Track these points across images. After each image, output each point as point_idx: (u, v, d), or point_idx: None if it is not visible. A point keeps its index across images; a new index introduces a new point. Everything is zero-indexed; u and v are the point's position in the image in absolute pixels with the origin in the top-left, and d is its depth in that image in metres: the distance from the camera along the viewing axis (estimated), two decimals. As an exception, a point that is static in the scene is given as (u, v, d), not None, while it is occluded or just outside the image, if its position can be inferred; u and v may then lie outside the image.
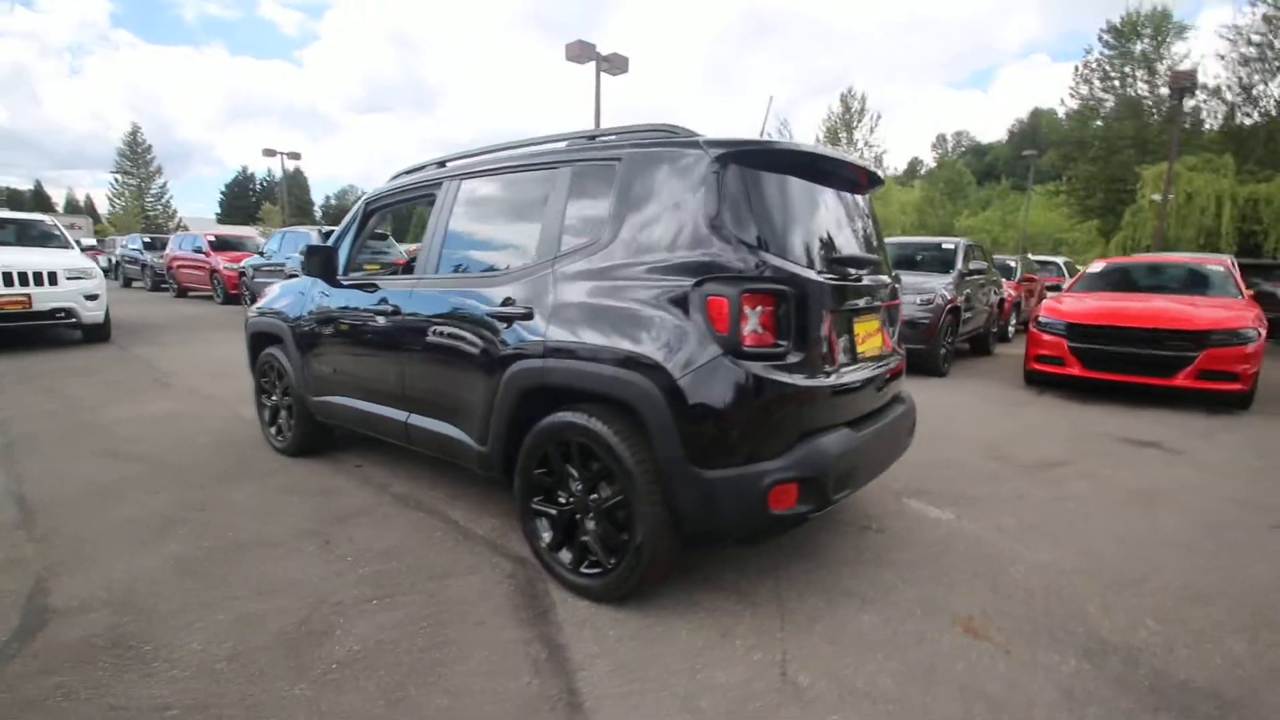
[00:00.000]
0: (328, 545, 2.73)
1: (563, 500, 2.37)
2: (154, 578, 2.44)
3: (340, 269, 3.41)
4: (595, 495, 2.26)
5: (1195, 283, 7.38)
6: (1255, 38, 34.95)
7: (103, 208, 61.44)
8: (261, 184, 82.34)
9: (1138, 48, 38.29)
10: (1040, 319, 6.79)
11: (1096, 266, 8.15)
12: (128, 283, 20.70)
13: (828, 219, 2.34)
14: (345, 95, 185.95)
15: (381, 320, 3.00)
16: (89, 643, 2.02)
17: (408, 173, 3.35)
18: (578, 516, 2.32)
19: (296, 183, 72.31)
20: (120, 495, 3.28)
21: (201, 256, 14.75)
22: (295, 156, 33.83)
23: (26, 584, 2.38)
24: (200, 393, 5.73)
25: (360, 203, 3.50)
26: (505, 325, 2.42)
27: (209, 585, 2.39)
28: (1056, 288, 9.00)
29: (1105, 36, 39.17)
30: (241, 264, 12.98)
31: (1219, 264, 7.62)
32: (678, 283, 2.03)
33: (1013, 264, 12.57)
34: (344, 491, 3.37)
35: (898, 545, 2.88)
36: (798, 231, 2.16)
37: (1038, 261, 16.13)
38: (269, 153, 31.08)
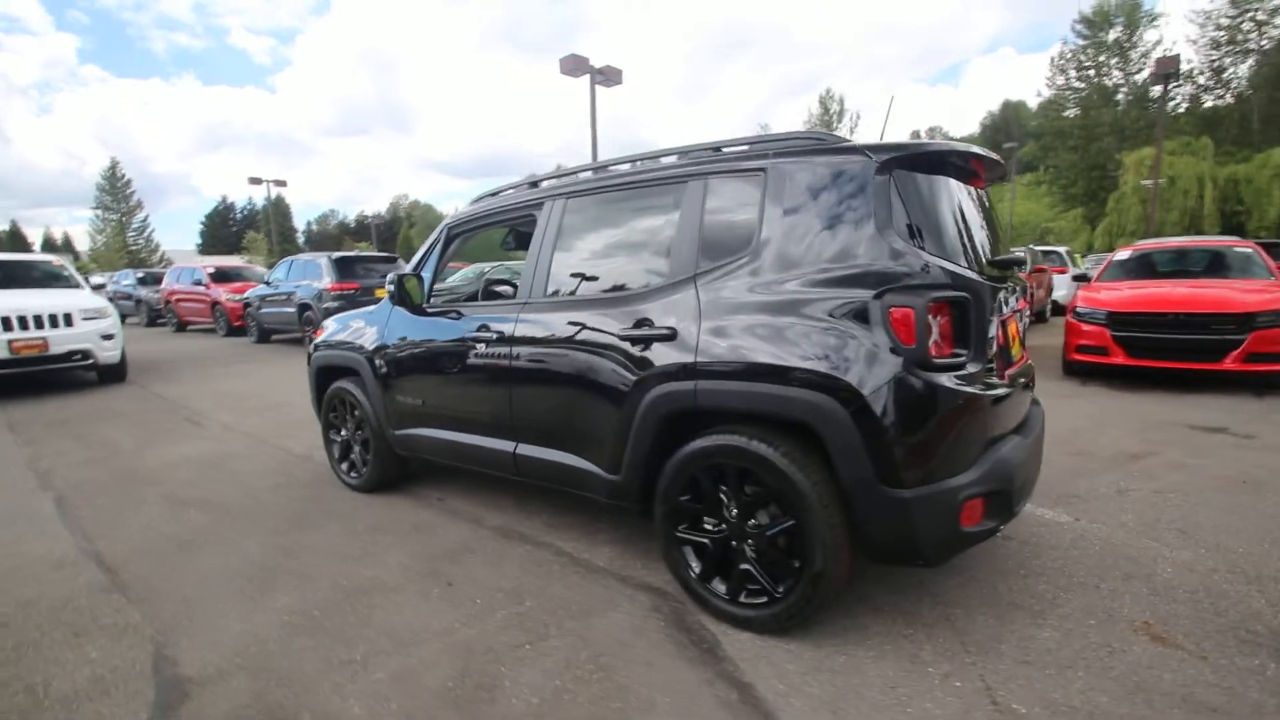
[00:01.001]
0: (451, 587, 2.59)
1: (713, 528, 2.25)
2: (277, 636, 2.28)
3: (428, 295, 3.28)
4: (754, 521, 2.14)
5: (1224, 265, 7.40)
6: (1224, 20, 35.82)
7: (82, 244, 60.49)
8: (242, 213, 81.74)
9: (1110, 36, 39.04)
10: (1079, 309, 6.77)
11: (1123, 254, 8.17)
12: (120, 319, 20.37)
13: (972, 219, 2.26)
14: (321, 120, 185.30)
15: (483, 347, 2.87)
16: (242, 716, 1.87)
17: (492, 195, 3.23)
18: (733, 544, 2.20)
19: (279, 210, 71.68)
20: (199, 546, 3.11)
21: (202, 289, 14.49)
22: (281, 184, 33.50)
23: (146, 652, 2.21)
24: (237, 430, 5.55)
25: (441, 228, 3.37)
26: (641, 347, 2.30)
27: (341, 640, 2.24)
28: (1085, 278, 8.99)
29: (1078, 26, 39.95)
30: (246, 295, 12.76)
31: (1247, 246, 7.65)
32: (852, 295, 1.93)
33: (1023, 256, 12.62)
34: (437, 528, 3.23)
35: (1032, 552, 2.78)
36: (956, 234, 2.07)
37: (1041, 252, 16.24)
38: (255, 181, 30.77)
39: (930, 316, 1.86)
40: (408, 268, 3.45)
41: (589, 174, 2.75)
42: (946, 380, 1.86)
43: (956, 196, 2.17)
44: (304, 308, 10.76)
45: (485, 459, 3.01)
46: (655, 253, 2.44)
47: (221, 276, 14.86)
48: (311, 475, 4.17)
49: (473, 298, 3.97)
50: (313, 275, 10.88)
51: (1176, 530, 2.97)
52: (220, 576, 2.78)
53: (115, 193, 58.31)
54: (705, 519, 2.28)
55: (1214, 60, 37.11)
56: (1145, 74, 37.52)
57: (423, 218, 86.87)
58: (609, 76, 17.69)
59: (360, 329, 3.63)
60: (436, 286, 3.36)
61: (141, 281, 19.50)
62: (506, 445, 2.88)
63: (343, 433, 3.86)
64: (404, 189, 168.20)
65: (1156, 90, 30.83)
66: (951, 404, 1.86)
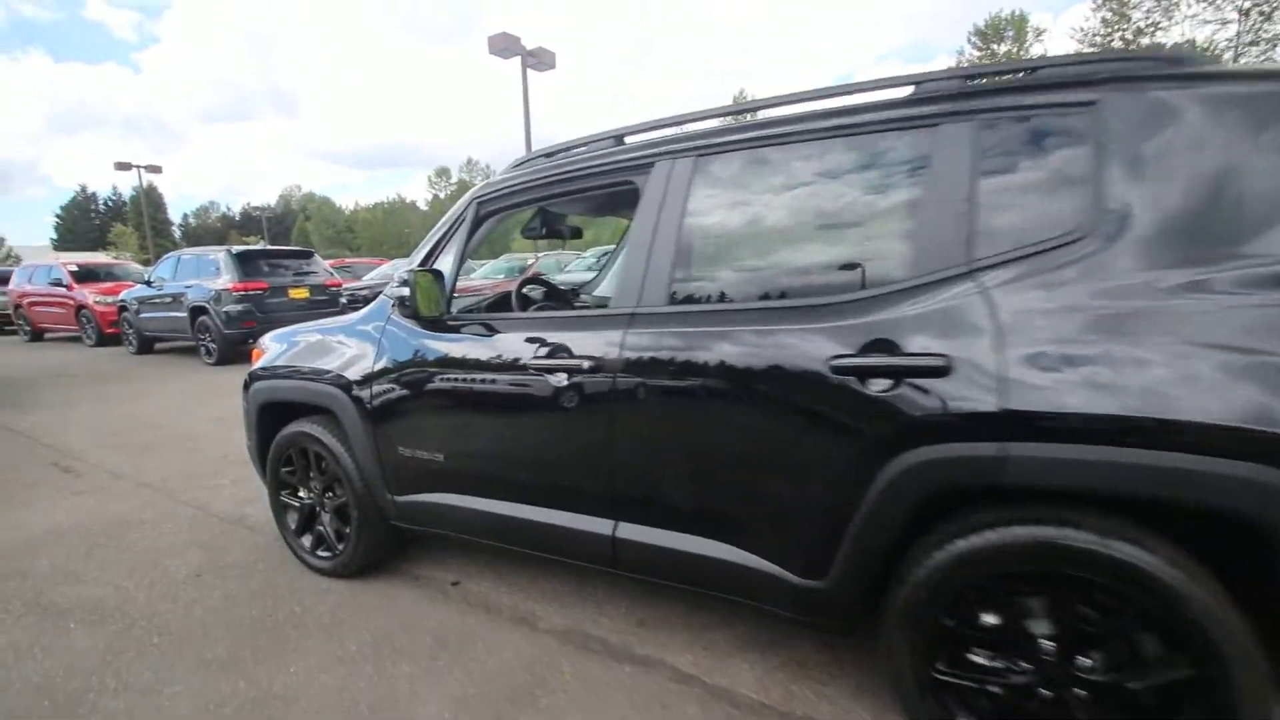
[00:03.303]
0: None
1: (1003, 667, 1.43)
2: None
3: (449, 301, 2.24)
4: (1089, 662, 1.34)
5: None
6: (1098, 39, 39.10)
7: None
8: (106, 204, 73.21)
9: (1002, 49, 41.71)
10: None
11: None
12: (-47, 328, 17.14)
13: None
14: (196, 103, 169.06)
15: (556, 380, 1.91)
16: None
17: (546, 155, 2.22)
18: (1044, 694, 1.39)
19: (151, 201, 64.56)
20: (111, 696, 1.97)
21: (63, 291, 12.15)
22: (155, 169, 29.78)
23: None
24: (127, 478, 4.18)
25: (466, 202, 2.33)
26: (880, 385, 1.44)
27: None
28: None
29: (973, 39, 42.45)
30: (122, 296, 10.72)
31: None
32: None
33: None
34: (474, 638, 2.22)
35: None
36: None
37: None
38: (123, 166, 27.13)
39: None
40: (413, 260, 2.40)
41: (734, 119, 1.84)
42: None
43: None
44: (198, 311, 9.03)
45: (558, 542, 2.04)
46: (879, 234, 1.58)
47: (87, 275, 12.53)
48: (250, 550, 3.00)
49: (508, 304, 2.79)
50: (208, 274, 9.15)
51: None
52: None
53: (-56, 179, 50.11)
54: (981, 652, 1.46)
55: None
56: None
57: (319, 211, 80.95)
58: (541, 59, 16.55)
59: (333, 348, 2.52)
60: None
61: (-18, 282, 16.41)
62: (600, 525, 1.93)
63: (303, 495, 2.74)
64: (295, 180, 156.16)
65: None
66: None
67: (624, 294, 1.88)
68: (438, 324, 2.22)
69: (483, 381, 2.09)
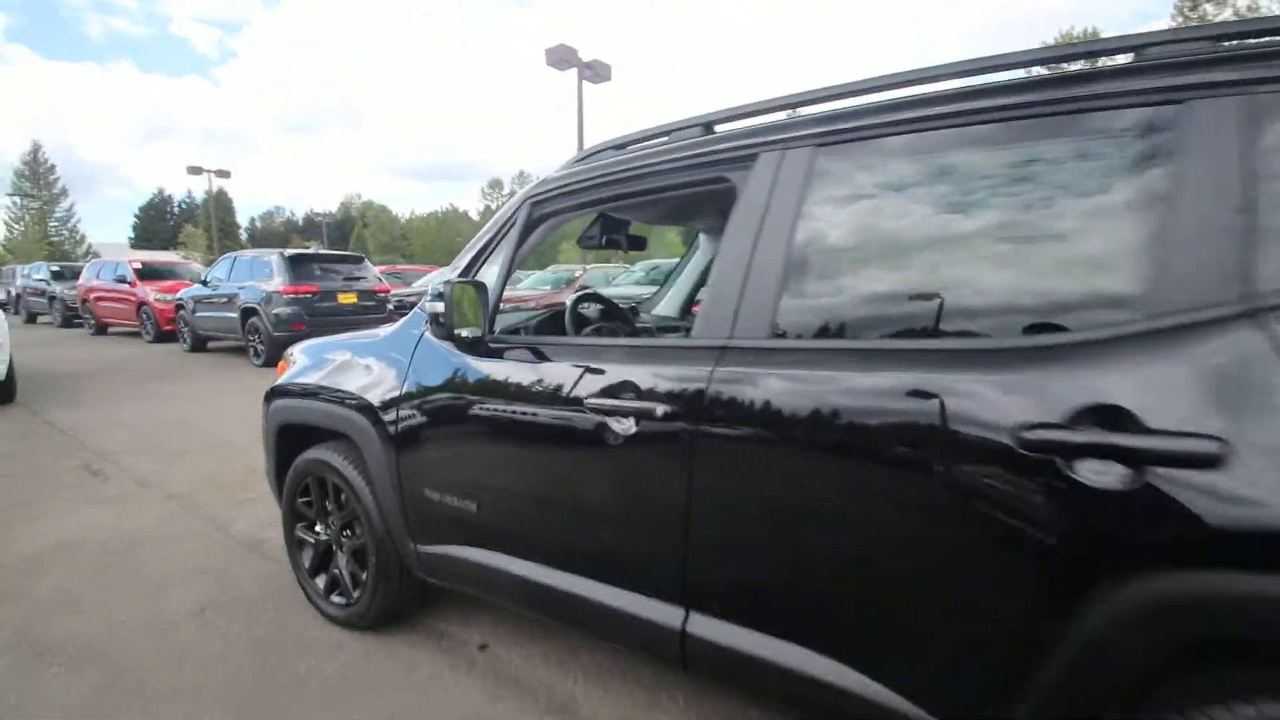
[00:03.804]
0: None
1: None
2: None
3: (491, 320, 1.87)
4: None
5: None
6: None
7: (-3, 234, 55.27)
8: (180, 206, 77.11)
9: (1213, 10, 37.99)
10: None
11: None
12: (32, 318, 18.07)
13: None
14: (268, 115, 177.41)
15: (620, 424, 1.51)
16: None
17: (616, 148, 1.83)
18: None
19: (220, 204, 67.63)
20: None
21: (126, 287, 12.47)
22: (224, 174, 31.02)
23: None
24: (154, 487, 3.97)
25: (518, 202, 1.95)
26: (1100, 474, 0.99)
27: None
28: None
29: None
30: (180, 295, 10.89)
31: None
32: None
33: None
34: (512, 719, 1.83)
35: None
36: None
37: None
38: (194, 170, 28.31)
39: None
40: (452, 271, 2.05)
41: (862, 100, 1.41)
42: None
43: None
44: (249, 312, 9.03)
45: (611, 627, 1.63)
46: (1095, 253, 1.13)
47: (150, 274, 12.88)
48: (262, 584, 2.69)
49: (560, 324, 2.44)
50: (260, 275, 9.17)
51: None
52: None
53: (37, 179, 53.57)
54: None
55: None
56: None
57: (377, 219, 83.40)
58: (597, 71, 16.45)
59: (358, 366, 2.19)
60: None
61: (57, 276, 17.17)
62: (667, 613, 1.51)
63: (319, 531, 2.41)
64: (357, 189, 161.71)
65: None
66: None
67: (711, 321, 1.46)
68: (477, 346, 1.85)
69: (528, 420, 1.70)
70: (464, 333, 1.77)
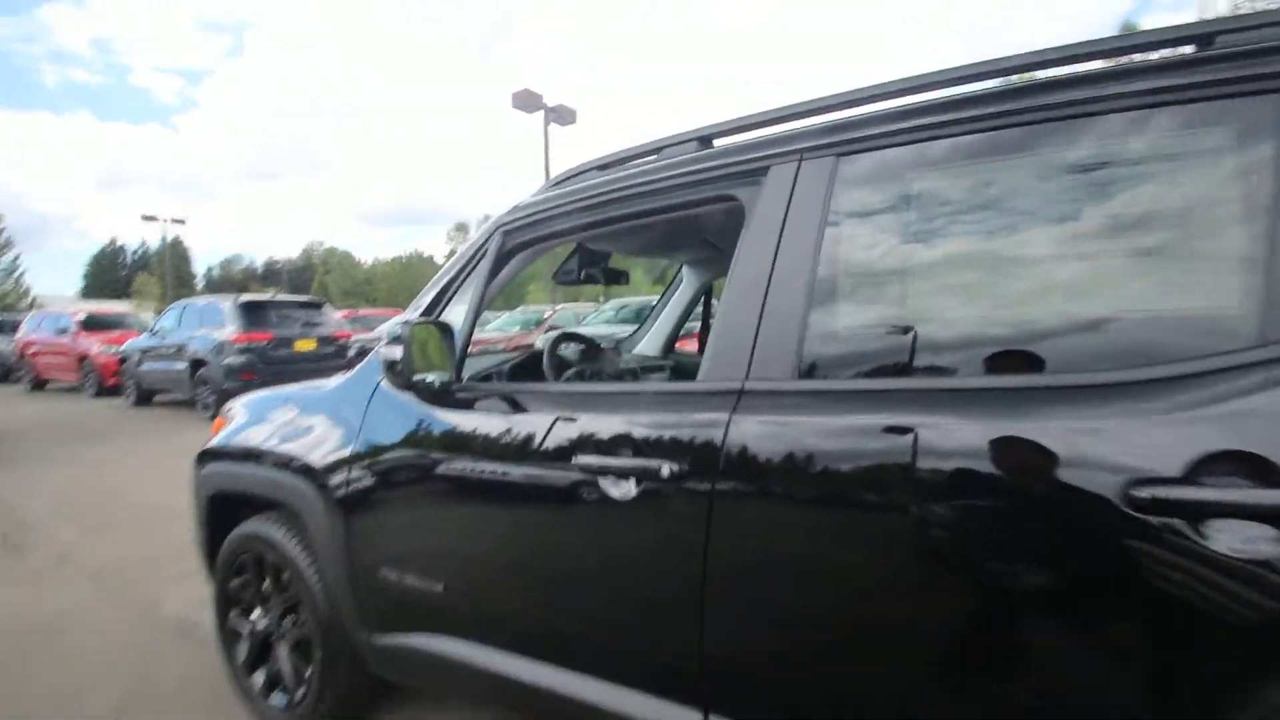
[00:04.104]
0: None
1: None
2: None
3: (459, 365, 1.61)
4: None
5: None
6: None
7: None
8: (134, 256, 75.01)
9: None
10: None
11: None
12: (-39, 375, 16.95)
13: None
14: (228, 163, 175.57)
15: (619, 488, 1.25)
16: None
17: (600, 168, 1.61)
18: None
19: (176, 253, 65.97)
20: None
21: (67, 340, 11.79)
22: (179, 221, 30.31)
23: None
24: (77, 563, 3.53)
25: (489, 231, 1.70)
26: (1239, 542, 0.76)
27: None
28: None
29: None
30: (124, 347, 10.30)
31: None
32: None
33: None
34: None
35: None
36: None
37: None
38: (149, 219, 27.59)
39: None
40: (413, 310, 1.80)
41: (891, 103, 1.22)
42: None
43: None
44: (197, 364, 8.54)
45: None
46: (1194, 268, 0.95)
47: (96, 324, 12.23)
48: (191, 680, 2.30)
49: (537, 368, 2.14)
50: (212, 323, 8.71)
51: None
52: None
53: (-20, 230, 51.54)
54: None
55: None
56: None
57: (340, 264, 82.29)
58: (562, 115, 16.56)
59: (304, 422, 1.90)
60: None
61: (-7, 330, 16.23)
62: (679, 715, 1.23)
63: (255, 619, 2.06)
64: (319, 236, 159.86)
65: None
66: None
67: (721, 362, 1.23)
68: (443, 396, 1.59)
69: (504, 482, 1.43)
70: (428, 379, 1.51)
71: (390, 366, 1.57)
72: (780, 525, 1.11)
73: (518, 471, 1.41)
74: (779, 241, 1.20)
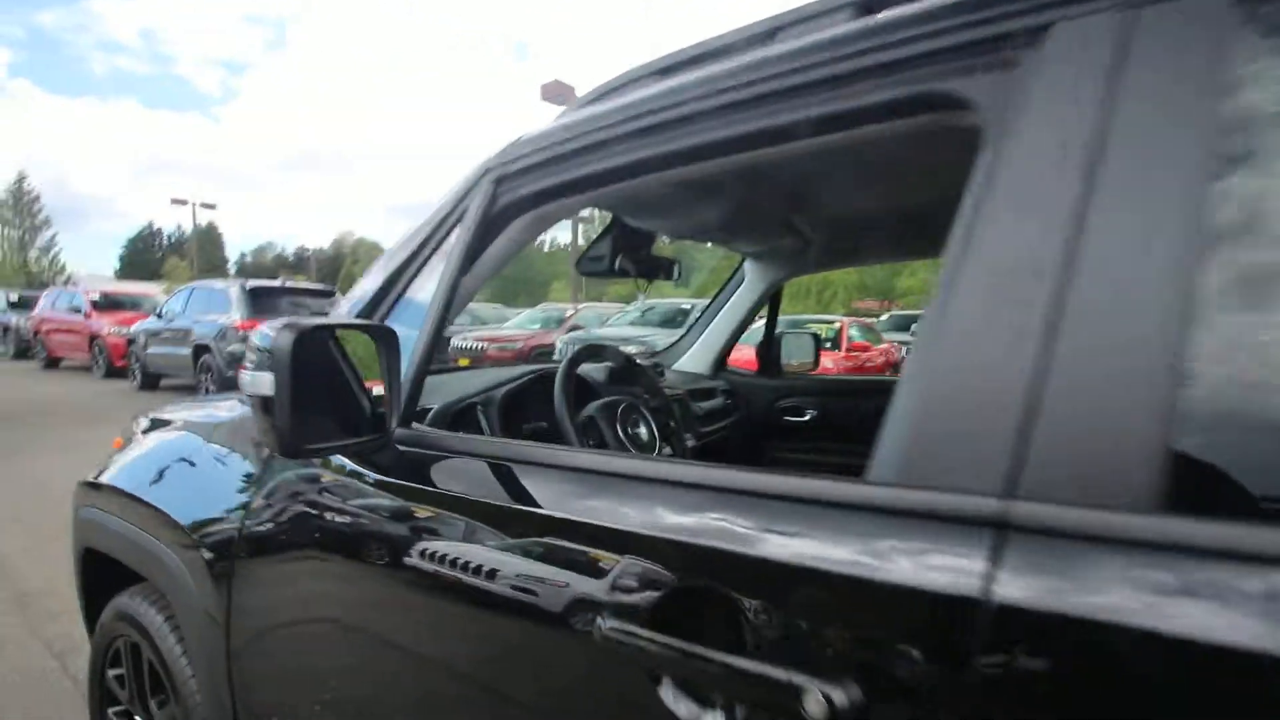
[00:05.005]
0: None
1: None
2: None
3: (411, 395, 0.97)
4: None
5: None
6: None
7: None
8: (169, 239, 76.35)
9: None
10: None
11: None
12: (-16, 350, 16.98)
13: None
14: (267, 152, 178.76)
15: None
16: None
17: (657, 72, 0.97)
18: None
19: (209, 238, 67.10)
20: None
21: (79, 319, 11.52)
22: (210, 206, 30.37)
23: None
24: (2, 588, 3.00)
25: (474, 175, 1.03)
26: None
27: None
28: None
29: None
30: (131, 329, 9.95)
31: None
32: None
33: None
34: None
35: None
36: None
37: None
38: (179, 202, 27.69)
39: None
40: (343, 308, 1.17)
41: None
42: None
43: None
44: (200, 350, 8.11)
45: None
46: None
47: (111, 304, 11.97)
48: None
49: (539, 401, 1.44)
50: (218, 308, 8.28)
51: None
52: None
53: (19, 208, 52.70)
54: None
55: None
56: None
57: (368, 254, 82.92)
58: (595, 107, 15.99)
59: (191, 459, 1.29)
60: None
61: (15, 305, 16.16)
62: None
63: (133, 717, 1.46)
64: (351, 226, 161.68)
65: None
66: None
67: (928, 449, 0.55)
68: (375, 454, 0.95)
69: (460, 554, 0.79)
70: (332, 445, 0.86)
71: (257, 412, 0.87)
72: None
73: (506, 541, 0.77)
74: (1089, 184, 0.54)
